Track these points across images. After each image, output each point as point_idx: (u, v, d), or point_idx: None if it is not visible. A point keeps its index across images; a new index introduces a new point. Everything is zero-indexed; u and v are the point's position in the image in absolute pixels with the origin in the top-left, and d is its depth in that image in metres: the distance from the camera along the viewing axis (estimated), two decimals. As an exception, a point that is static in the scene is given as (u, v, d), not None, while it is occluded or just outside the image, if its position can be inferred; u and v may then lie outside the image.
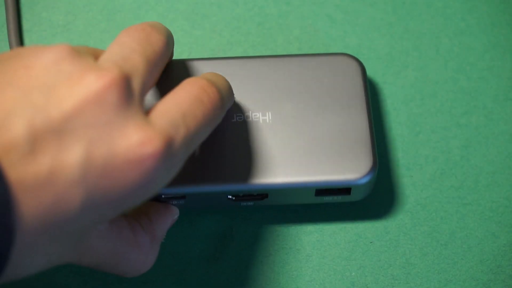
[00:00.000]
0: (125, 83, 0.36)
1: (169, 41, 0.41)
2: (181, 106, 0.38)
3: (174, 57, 0.51)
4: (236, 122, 0.45)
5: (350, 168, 0.44)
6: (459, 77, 0.51)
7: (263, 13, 0.52)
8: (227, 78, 0.46)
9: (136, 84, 0.37)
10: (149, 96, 0.45)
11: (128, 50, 0.38)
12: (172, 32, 0.52)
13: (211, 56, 0.51)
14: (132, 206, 0.37)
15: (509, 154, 0.49)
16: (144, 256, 0.41)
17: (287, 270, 0.46)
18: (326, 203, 0.47)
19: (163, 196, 0.44)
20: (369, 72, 0.51)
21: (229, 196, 0.44)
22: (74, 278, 0.45)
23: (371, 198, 0.48)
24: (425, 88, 0.51)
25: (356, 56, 0.51)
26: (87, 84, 0.35)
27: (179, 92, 0.39)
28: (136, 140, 0.35)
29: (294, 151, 0.45)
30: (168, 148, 0.36)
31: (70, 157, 0.34)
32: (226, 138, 0.45)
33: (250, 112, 0.46)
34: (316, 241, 0.47)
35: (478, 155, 0.49)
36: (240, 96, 0.46)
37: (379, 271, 0.46)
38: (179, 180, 0.43)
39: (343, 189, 0.45)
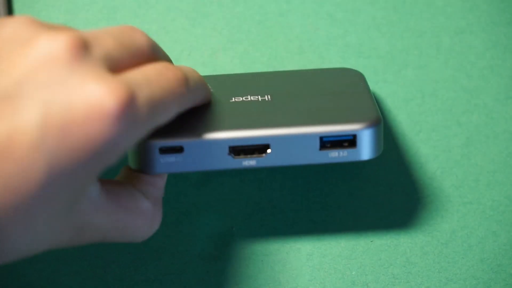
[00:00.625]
0: (81, 43, 0.35)
1: (152, 44, 0.40)
2: (146, 73, 0.37)
3: (175, 56, 0.51)
4: (234, 101, 0.45)
5: (355, 118, 0.43)
6: (459, 75, 0.51)
7: (263, 11, 0.52)
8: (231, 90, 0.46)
9: (98, 50, 0.36)
10: None
11: (100, 32, 0.37)
12: (172, 30, 0.52)
13: (211, 56, 0.51)
14: (104, 166, 0.35)
15: (509, 153, 0.49)
16: (149, 221, 0.41)
17: (288, 269, 0.46)
18: (332, 166, 0.46)
19: (161, 149, 0.42)
20: (369, 71, 0.51)
21: (229, 151, 0.43)
22: (74, 278, 0.45)
23: (372, 197, 0.48)
24: (425, 86, 0.51)
25: (356, 54, 0.51)
26: (39, 46, 0.34)
27: (146, 66, 0.38)
28: (96, 91, 0.34)
29: (298, 108, 0.44)
30: (131, 102, 0.34)
31: (25, 120, 0.33)
32: (225, 111, 0.44)
33: (249, 95, 0.45)
34: (317, 240, 0.47)
35: (478, 154, 0.49)
36: (240, 90, 0.46)
37: (380, 270, 0.46)
38: (177, 132, 0.42)
39: (348, 141, 0.43)
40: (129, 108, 0.34)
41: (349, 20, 0.52)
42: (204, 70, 0.51)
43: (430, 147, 0.49)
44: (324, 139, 0.43)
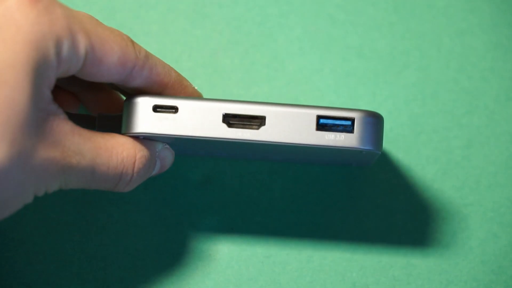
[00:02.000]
0: None
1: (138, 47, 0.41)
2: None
3: (175, 57, 0.51)
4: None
5: (355, 108, 0.43)
6: (460, 77, 0.51)
7: (263, 12, 0.52)
8: None
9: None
10: None
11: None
12: (172, 31, 0.52)
13: (211, 57, 0.51)
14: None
15: (510, 154, 0.49)
16: (132, 151, 0.40)
17: (288, 271, 0.46)
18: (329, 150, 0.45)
19: (156, 106, 0.41)
20: (370, 72, 0.51)
21: (223, 118, 0.42)
22: (75, 280, 0.45)
23: (372, 199, 0.48)
24: (426, 88, 0.51)
25: (357, 55, 0.51)
26: None
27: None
28: None
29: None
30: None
31: None
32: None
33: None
34: (317, 242, 0.47)
35: (479, 156, 0.49)
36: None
37: (380, 272, 0.46)
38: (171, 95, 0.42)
39: (346, 126, 0.42)
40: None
41: (350, 21, 0.52)
42: (204, 71, 0.51)
43: (431, 149, 0.49)
44: (321, 120, 0.42)
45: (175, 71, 0.42)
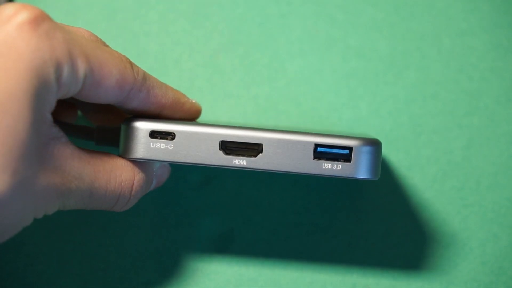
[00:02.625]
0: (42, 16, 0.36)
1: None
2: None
3: (175, 58, 0.51)
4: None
5: (354, 136, 0.42)
6: (461, 77, 0.51)
7: (264, 13, 0.52)
8: None
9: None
10: None
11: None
12: (172, 31, 0.52)
13: (212, 57, 0.51)
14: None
15: (511, 155, 0.49)
16: (130, 173, 0.41)
17: (288, 271, 0.46)
18: (326, 180, 0.46)
19: (152, 133, 0.41)
20: (370, 73, 0.51)
21: (220, 146, 0.42)
22: (75, 281, 0.45)
23: (373, 200, 0.48)
24: (426, 88, 0.51)
25: (357, 55, 0.51)
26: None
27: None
28: (11, 7, 0.35)
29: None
30: (44, 17, 0.36)
31: None
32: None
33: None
34: (318, 242, 0.47)
35: (480, 156, 0.49)
36: None
37: (380, 273, 0.46)
38: (169, 121, 0.42)
39: (343, 155, 0.42)
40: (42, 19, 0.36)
41: (350, 22, 0.52)
42: (205, 72, 0.51)
43: (431, 149, 0.49)
44: (319, 149, 0.42)
45: (172, 90, 0.43)
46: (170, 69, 0.50)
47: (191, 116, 0.44)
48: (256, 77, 0.51)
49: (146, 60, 0.50)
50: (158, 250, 0.47)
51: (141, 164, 0.41)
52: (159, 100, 0.41)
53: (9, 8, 0.35)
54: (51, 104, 0.36)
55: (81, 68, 0.36)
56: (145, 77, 0.40)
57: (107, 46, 0.41)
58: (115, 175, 0.40)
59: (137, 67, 0.40)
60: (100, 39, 0.41)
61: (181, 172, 0.49)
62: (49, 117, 0.36)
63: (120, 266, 0.47)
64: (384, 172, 0.49)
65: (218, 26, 0.52)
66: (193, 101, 0.44)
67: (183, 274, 0.46)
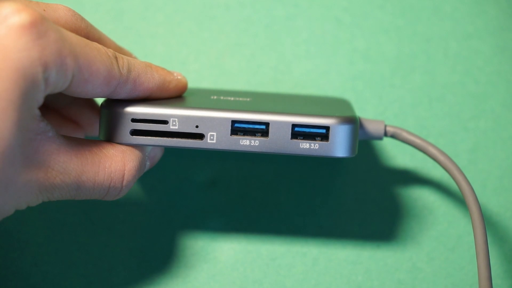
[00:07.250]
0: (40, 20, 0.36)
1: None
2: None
3: (181, 59, 0.51)
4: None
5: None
6: (467, 81, 0.51)
7: (270, 15, 0.52)
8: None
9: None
10: None
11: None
12: (179, 33, 0.52)
13: (218, 59, 0.51)
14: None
15: (517, 158, 0.49)
16: (120, 164, 0.41)
17: (293, 273, 0.46)
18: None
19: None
20: (376, 75, 0.51)
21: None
22: (80, 281, 0.45)
23: (378, 202, 0.48)
24: (433, 91, 0.51)
25: (364, 58, 0.51)
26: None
27: None
28: (8, 7, 0.35)
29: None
30: (43, 21, 0.36)
31: None
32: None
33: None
34: (323, 244, 0.47)
35: (485, 160, 0.49)
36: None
37: (386, 275, 0.46)
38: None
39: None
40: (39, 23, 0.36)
41: (357, 25, 0.52)
42: (211, 73, 0.51)
43: (437, 152, 0.49)
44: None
45: (157, 71, 0.43)
46: (177, 71, 0.50)
47: (178, 92, 0.44)
48: (263, 79, 0.51)
49: (153, 61, 0.50)
50: (163, 251, 0.47)
51: (132, 148, 0.41)
52: (146, 87, 0.42)
53: (7, 8, 0.36)
54: (39, 101, 0.36)
55: (70, 67, 0.37)
56: (130, 68, 0.41)
57: (87, 23, 0.41)
58: (104, 167, 0.40)
59: (122, 59, 0.40)
60: (79, 16, 0.41)
61: (186, 173, 0.49)
62: (36, 112, 0.37)
63: (125, 266, 0.47)
64: (390, 176, 0.49)
65: (225, 28, 0.52)
66: (179, 77, 0.44)
67: (189, 275, 0.46)
